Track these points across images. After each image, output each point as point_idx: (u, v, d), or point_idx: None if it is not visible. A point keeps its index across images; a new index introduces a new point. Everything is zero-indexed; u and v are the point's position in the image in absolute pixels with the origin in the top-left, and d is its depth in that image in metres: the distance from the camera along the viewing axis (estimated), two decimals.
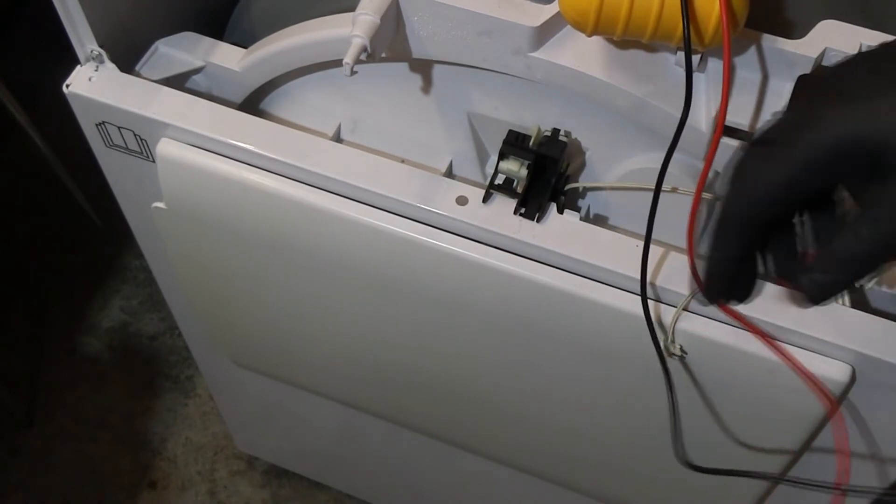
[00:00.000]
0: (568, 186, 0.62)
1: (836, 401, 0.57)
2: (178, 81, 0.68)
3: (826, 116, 0.37)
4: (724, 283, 0.44)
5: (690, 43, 0.49)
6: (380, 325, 0.71)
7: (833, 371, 0.56)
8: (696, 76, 0.56)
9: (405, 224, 0.61)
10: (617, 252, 0.58)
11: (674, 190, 0.60)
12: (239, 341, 0.86)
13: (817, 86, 0.40)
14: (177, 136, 0.64)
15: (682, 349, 0.58)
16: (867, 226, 0.38)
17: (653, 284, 0.57)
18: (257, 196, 0.63)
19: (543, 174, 0.60)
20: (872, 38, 0.52)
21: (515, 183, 0.60)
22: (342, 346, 0.77)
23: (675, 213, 0.64)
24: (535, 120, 0.63)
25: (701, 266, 0.45)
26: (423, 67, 0.63)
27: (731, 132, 0.55)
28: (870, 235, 0.38)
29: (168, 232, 0.72)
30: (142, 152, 0.68)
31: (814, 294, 0.41)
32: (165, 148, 0.63)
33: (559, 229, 0.59)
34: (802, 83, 0.44)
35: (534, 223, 0.59)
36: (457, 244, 0.60)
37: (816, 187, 0.39)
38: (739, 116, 0.55)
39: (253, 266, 0.70)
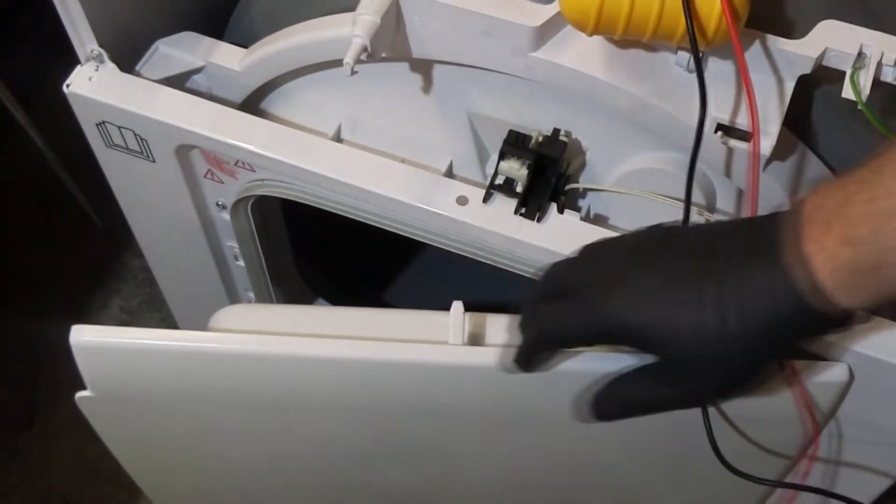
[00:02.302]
0: (568, 187, 0.62)
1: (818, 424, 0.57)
2: (178, 81, 0.68)
3: (599, 311, 0.46)
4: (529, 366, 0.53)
5: (696, 40, 0.49)
6: (347, 448, 0.68)
7: (831, 372, 0.56)
8: (695, 76, 0.56)
9: (332, 347, 0.57)
10: None
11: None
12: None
13: (601, 274, 0.47)
14: (178, 139, 0.65)
15: None
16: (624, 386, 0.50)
17: None
18: (184, 360, 0.59)
19: (544, 174, 0.60)
20: (872, 38, 0.52)
21: (516, 183, 0.60)
22: (315, 479, 0.74)
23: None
24: (535, 120, 0.63)
25: None
26: (423, 67, 0.63)
27: (732, 132, 0.55)
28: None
29: (101, 418, 0.65)
30: (142, 152, 0.68)
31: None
32: (78, 336, 0.57)
33: (560, 229, 0.59)
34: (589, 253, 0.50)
35: (534, 223, 0.59)
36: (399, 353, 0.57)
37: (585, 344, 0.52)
38: (740, 116, 0.55)
39: (198, 427, 0.66)
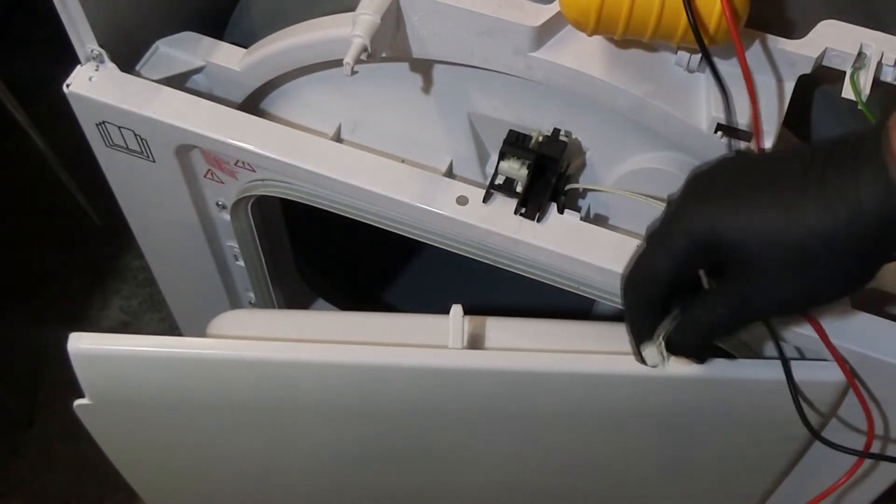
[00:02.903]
0: (568, 187, 0.61)
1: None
2: (178, 81, 0.68)
3: (688, 217, 0.45)
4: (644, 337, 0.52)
5: (701, 37, 0.49)
6: (345, 452, 0.68)
7: (829, 372, 0.56)
8: (695, 76, 0.56)
9: (331, 352, 0.57)
10: (617, 252, 0.58)
11: None
12: None
13: (692, 189, 0.47)
14: (178, 139, 0.65)
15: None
16: (705, 308, 0.48)
17: None
18: (183, 367, 0.58)
19: (544, 174, 0.60)
20: (872, 38, 0.52)
21: (516, 183, 0.60)
22: (314, 484, 0.74)
23: None
24: (535, 120, 0.63)
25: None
26: (423, 67, 0.63)
27: (732, 132, 0.55)
28: (707, 317, 0.48)
29: (99, 426, 0.65)
30: (142, 152, 0.68)
31: (677, 349, 0.52)
32: (76, 344, 0.57)
33: (559, 229, 0.59)
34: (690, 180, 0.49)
35: (534, 223, 0.59)
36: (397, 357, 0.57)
37: (683, 272, 0.48)
38: (740, 116, 0.55)
39: (197, 433, 0.66)
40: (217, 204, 0.73)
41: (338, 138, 0.70)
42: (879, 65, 0.52)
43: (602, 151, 0.64)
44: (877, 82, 0.52)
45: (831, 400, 0.59)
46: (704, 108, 0.56)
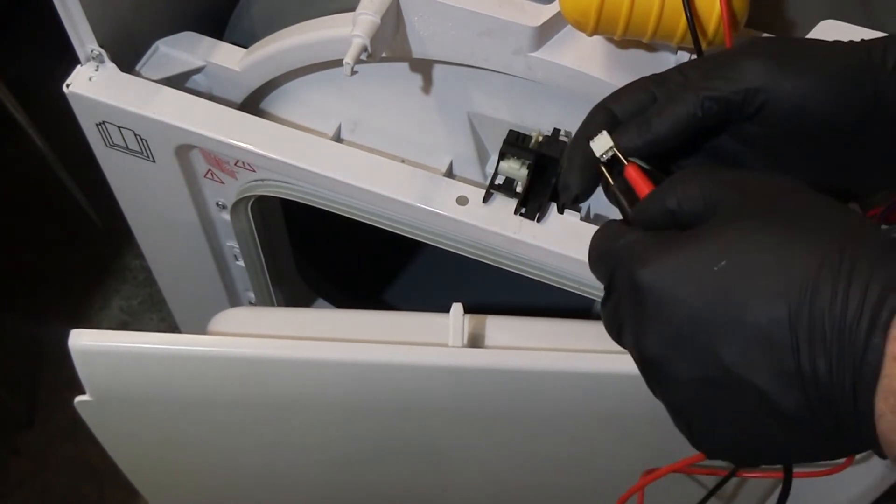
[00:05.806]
0: None
1: None
2: (178, 81, 0.68)
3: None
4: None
5: (698, 40, 0.49)
6: (346, 450, 0.68)
7: None
8: None
9: (332, 350, 0.57)
10: None
11: None
12: None
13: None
14: (178, 139, 0.65)
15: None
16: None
17: None
18: (184, 364, 0.58)
19: (544, 174, 0.60)
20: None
21: (516, 183, 0.60)
22: (314, 481, 0.74)
23: None
24: (535, 120, 0.63)
25: None
26: (423, 67, 0.63)
27: None
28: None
29: (100, 423, 0.65)
30: (142, 152, 0.68)
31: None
32: (77, 341, 0.57)
33: (559, 229, 0.59)
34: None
35: (534, 223, 0.59)
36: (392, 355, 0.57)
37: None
38: None
39: (197, 430, 0.66)
40: (217, 204, 0.73)
41: (338, 138, 0.70)
42: None
43: None
44: None
45: None
46: None
